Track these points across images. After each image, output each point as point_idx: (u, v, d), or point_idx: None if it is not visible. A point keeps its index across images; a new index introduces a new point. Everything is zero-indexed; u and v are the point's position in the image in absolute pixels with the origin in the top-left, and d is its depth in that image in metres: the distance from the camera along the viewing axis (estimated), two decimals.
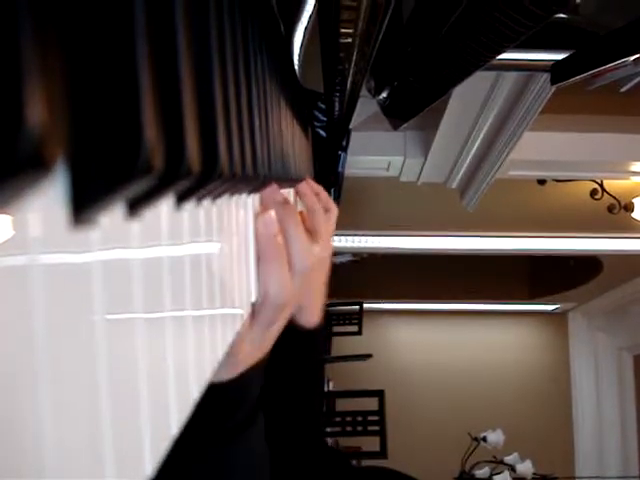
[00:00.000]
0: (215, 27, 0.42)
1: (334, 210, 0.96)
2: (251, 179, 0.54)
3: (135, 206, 0.28)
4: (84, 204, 0.23)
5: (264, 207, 0.70)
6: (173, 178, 0.29)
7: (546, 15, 1.00)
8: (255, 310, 0.67)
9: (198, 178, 0.33)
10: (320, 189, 1.01)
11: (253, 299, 0.66)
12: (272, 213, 0.66)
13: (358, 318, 6.29)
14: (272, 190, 0.72)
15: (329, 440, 5.08)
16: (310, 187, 0.97)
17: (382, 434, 4.74)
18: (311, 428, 1.03)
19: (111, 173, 0.23)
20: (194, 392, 0.39)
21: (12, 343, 0.19)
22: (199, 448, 0.71)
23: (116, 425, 0.26)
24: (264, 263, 0.66)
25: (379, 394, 4.96)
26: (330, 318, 6.30)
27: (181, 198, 0.36)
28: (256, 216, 0.65)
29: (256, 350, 0.72)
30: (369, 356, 5.93)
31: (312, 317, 0.99)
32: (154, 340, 0.32)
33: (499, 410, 7.58)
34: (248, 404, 0.75)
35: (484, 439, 6.25)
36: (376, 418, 4.82)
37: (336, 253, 6.52)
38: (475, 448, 6.26)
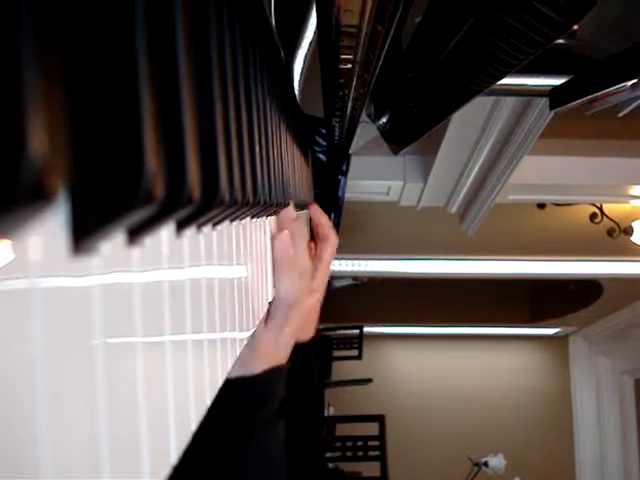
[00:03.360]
0: (216, 54, 0.42)
1: (333, 240, 1.10)
2: (251, 205, 0.54)
3: (135, 233, 0.28)
4: (85, 233, 0.23)
5: (280, 226, 0.85)
6: (174, 206, 0.29)
7: (545, 42, 1.01)
8: (270, 311, 0.81)
9: (199, 206, 0.33)
10: (325, 218, 1.14)
11: (257, 321, 0.67)
12: (287, 233, 0.80)
13: (358, 342, 6.27)
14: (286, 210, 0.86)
15: (329, 465, 5.05)
16: (316, 216, 1.13)
17: (383, 459, 4.71)
18: (308, 441, 1.04)
19: (112, 202, 0.23)
20: (194, 417, 0.39)
21: (12, 367, 0.19)
22: (219, 439, 0.74)
23: (115, 450, 0.26)
24: (278, 272, 0.80)
25: (380, 419, 4.94)
26: (330, 342, 6.28)
27: (181, 225, 0.36)
28: (273, 235, 0.79)
29: (275, 349, 0.82)
30: (369, 381, 5.90)
31: (306, 334, 1.05)
32: (154, 364, 0.32)
33: (500, 434, 7.53)
34: (274, 402, 0.81)
35: (485, 464, 6.21)
36: (377, 443, 4.79)
37: (336, 277, 6.52)
38: (477, 473, 6.22)
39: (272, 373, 0.80)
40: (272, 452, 0.80)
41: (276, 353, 0.83)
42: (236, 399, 0.76)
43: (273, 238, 0.79)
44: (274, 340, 0.82)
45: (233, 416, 0.75)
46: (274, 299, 0.82)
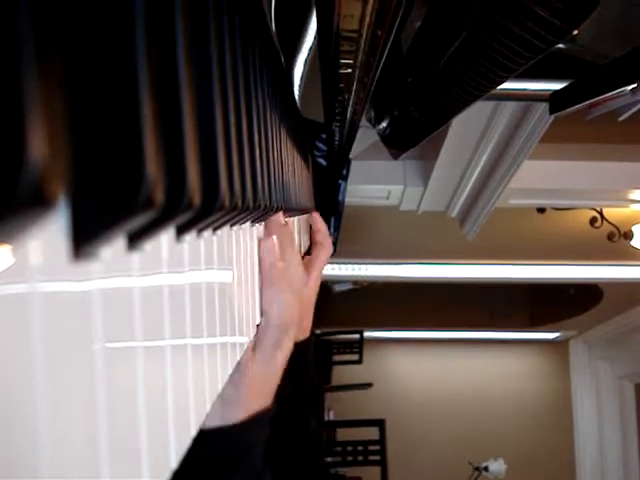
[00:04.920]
0: (216, 59, 0.42)
1: (327, 247, 1.08)
2: (252, 210, 0.54)
3: (135, 239, 0.28)
4: (85, 238, 0.23)
5: (267, 232, 0.75)
6: (174, 212, 0.29)
7: (545, 46, 1.01)
8: (260, 332, 0.70)
9: (199, 211, 0.33)
10: (324, 226, 1.13)
11: (256, 325, 0.67)
12: (274, 239, 0.71)
13: (359, 347, 6.27)
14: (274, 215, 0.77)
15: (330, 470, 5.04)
16: (316, 223, 1.11)
17: (383, 464, 4.71)
18: (308, 445, 1.04)
19: (112, 207, 0.23)
20: (194, 421, 0.39)
21: (12, 370, 0.19)
22: None
23: (115, 453, 0.26)
24: (267, 286, 0.70)
25: (380, 423, 4.94)
26: (330, 347, 6.28)
27: (181, 230, 0.36)
28: (259, 242, 0.70)
29: (264, 383, 0.72)
30: (370, 385, 5.90)
31: (302, 334, 1.03)
32: (154, 369, 0.32)
33: (500, 439, 7.53)
34: (259, 450, 0.72)
35: (486, 469, 6.21)
36: (377, 447, 4.79)
37: (336, 282, 6.52)
38: (477, 478, 6.22)
39: (257, 419, 0.70)
40: None
41: (265, 384, 0.73)
42: (218, 452, 0.66)
43: (259, 247, 0.71)
44: (263, 371, 0.71)
45: (215, 471, 0.66)
46: (263, 321, 0.71)
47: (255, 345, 0.71)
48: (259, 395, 0.71)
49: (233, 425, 0.67)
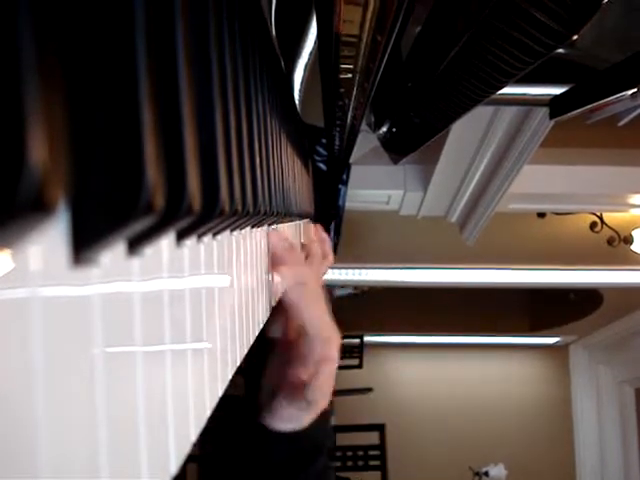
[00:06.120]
0: (216, 64, 0.42)
1: (330, 259, 1.08)
2: (252, 215, 0.54)
3: (135, 244, 0.28)
4: (85, 243, 0.23)
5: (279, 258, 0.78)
6: (174, 217, 0.29)
7: (545, 51, 1.01)
8: (306, 349, 0.77)
9: (199, 216, 0.33)
10: (325, 238, 1.13)
11: (257, 330, 0.67)
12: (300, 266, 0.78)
13: (359, 351, 6.26)
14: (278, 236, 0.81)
15: None
16: (318, 234, 1.12)
17: (383, 469, 4.71)
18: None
19: (112, 212, 0.23)
20: (194, 426, 0.39)
21: (11, 376, 0.19)
22: None
23: (114, 459, 0.26)
24: (304, 307, 0.77)
25: (380, 428, 4.94)
26: None
27: (182, 235, 0.36)
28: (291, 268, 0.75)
29: (321, 398, 0.78)
30: (370, 390, 5.90)
31: None
32: (154, 374, 0.32)
33: (501, 444, 7.52)
34: (326, 450, 0.80)
35: (486, 474, 6.20)
36: (377, 452, 4.79)
37: (336, 286, 6.51)
38: None
39: (321, 421, 0.78)
40: None
41: (322, 401, 0.79)
42: (290, 453, 0.75)
43: (275, 272, 0.74)
44: (320, 388, 0.77)
45: (288, 472, 0.75)
46: (302, 341, 0.78)
47: (305, 359, 0.77)
48: (319, 405, 0.78)
49: (304, 429, 0.76)
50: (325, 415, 0.79)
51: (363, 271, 5.48)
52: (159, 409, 0.32)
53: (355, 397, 6.49)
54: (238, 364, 0.57)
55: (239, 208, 0.45)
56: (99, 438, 0.24)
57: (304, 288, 0.77)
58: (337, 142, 1.69)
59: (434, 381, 8.15)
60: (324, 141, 1.86)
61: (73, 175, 0.21)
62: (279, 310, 0.77)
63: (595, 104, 1.50)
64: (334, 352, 0.80)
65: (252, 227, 0.63)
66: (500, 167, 3.68)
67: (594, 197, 4.15)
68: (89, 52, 0.23)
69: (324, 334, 0.79)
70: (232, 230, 0.52)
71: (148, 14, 0.26)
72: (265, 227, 0.76)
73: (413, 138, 1.96)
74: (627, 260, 4.96)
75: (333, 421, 6.38)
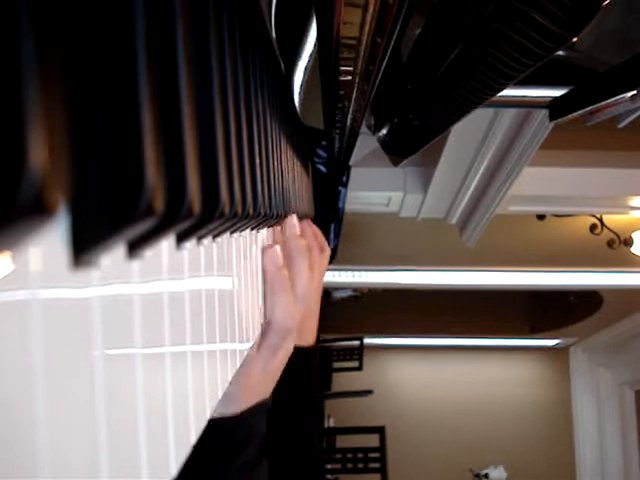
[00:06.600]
0: (216, 67, 0.42)
1: (328, 251, 1.07)
2: (252, 217, 0.54)
3: (135, 246, 0.28)
4: (85, 246, 0.23)
5: (273, 241, 0.80)
6: (174, 219, 0.29)
7: (545, 54, 1.01)
8: (263, 335, 0.74)
9: (199, 219, 0.33)
10: (318, 231, 1.13)
11: (257, 332, 0.67)
12: (277, 248, 0.74)
13: (359, 353, 6.26)
14: (289, 222, 0.83)
15: (329, 477, 5.03)
16: (310, 228, 1.10)
17: (383, 471, 4.70)
18: (308, 453, 1.03)
19: (112, 215, 0.23)
20: (193, 428, 0.39)
21: (12, 377, 0.19)
22: None
23: (114, 461, 0.26)
24: (271, 293, 0.74)
25: (380, 430, 4.93)
26: (330, 354, 6.27)
27: (181, 237, 0.36)
28: (263, 250, 0.73)
29: (262, 379, 0.76)
30: (370, 392, 5.89)
31: (307, 339, 1.04)
32: (154, 376, 0.32)
33: (501, 446, 7.52)
34: (257, 441, 0.75)
35: (486, 476, 6.20)
36: (377, 455, 4.78)
37: (336, 288, 6.51)
38: None
39: (256, 410, 0.74)
40: None
41: (262, 383, 0.76)
42: (218, 440, 0.70)
43: (262, 255, 0.74)
44: (261, 371, 0.75)
45: (214, 459, 0.69)
46: (265, 324, 0.75)
47: (260, 342, 0.74)
48: (256, 394, 0.75)
49: (231, 416, 0.71)
50: (262, 405, 0.75)
51: (363, 273, 5.48)
52: (159, 411, 0.32)
53: (355, 399, 6.49)
54: (238, 365, 0.57)
55: (239, 210, 0.45)
56: (99, 440, 0.24)
57: (274, 275, 0.74)
58: (337, 144, 1.69)
59: (434, 383, 8.15)
60: (324, 143, 1.86)
61: (73, 178, 0.21)
62: None
63: (595, 106, 1.50)
64: (287, 346, 0.77)
65: (252, 229, 0.63)
66: (500, 169, 3.67)
67: (594, 199, 4.15)
68: (89, 56, 0.23)
69: (279, 325, 0.74)
70: (232, 232, 0.52)
71: (148, 19, 0.26)
72: (265, 229, 0.76)
73: (413, 140, 1.96)
74: (627, 262, 4.96)
75: (332, 423, 6.38)
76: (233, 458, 0.71)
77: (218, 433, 0.70)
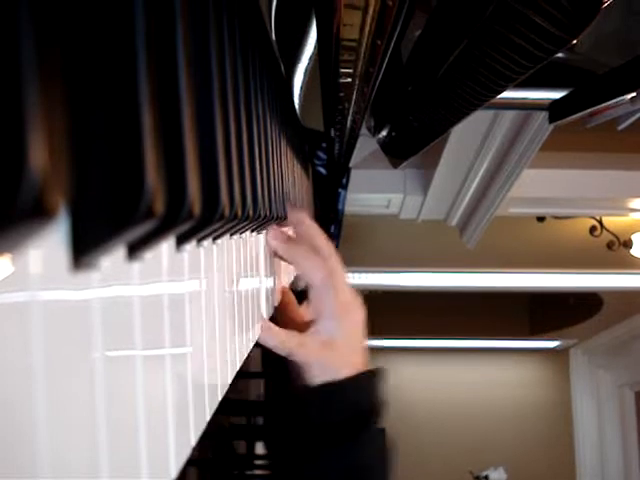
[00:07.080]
0: (216, 69, 0.42)
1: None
2: (252, 220, 0.54)
3: (135, 248, 0.28)
4: (85, 248, 0.23)
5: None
6: (174, 221, 0.29)
7: (544, 56, 1.01)
8: (313, 303, 0.79)
9: (199, 221, 0.33)
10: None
11: (257, 334, 0.67)
12: (275, 227, 0.78)
13: None
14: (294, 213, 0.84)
15: None
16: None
17: None
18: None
19: (112, 217, 0.23)
20: (193, 428, 0.39)
21: (12, 378, 0.19)
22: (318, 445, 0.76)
23: (114, 462, 0.26)
24: (298, 264, 0.79)
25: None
26: None
27: (182, 239, 0.36)
28: (266, 234, 0.76)
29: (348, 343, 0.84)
30: None
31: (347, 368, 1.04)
32: (154, 377, 0.32)
33: (501, 448, 7.51)
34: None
35: (486, 477, 6.19)
36: None
37: None
38: None
39: (362, 379, 0.86)
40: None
41: (354, 352, 0.87)
42: (330, 410, 0.77)
43: (266, 237, 0.76)
44: (342, 335, 0.82)
45: (353, 420, 0.78)
46: (310, 295, 0.78)
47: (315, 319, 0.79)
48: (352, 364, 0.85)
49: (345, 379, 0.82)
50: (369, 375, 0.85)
51: (363, 275, 5.47)
52: (159, 411, 0.32)
53: None
54: (238, 367, 0.57)
55: (239, 212, 0.45)
56: (99, 441, 0.24)
57: (294, 247, 0.79)
58: (337, 146, 1.69)
59: (434, 385, 8.14)
60: (324, 145, 1.86)
61: (73, 180, 0.21)
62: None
63: (594, 108, 1.50)
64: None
65: (252, 231, 0.63)
66: (500, 171, 3.67)
67: (594, 201, 4.15)
68: (89, 57, 0.23)
69: (325, 283, 0.78)
70: (232, 234, 0.52)
71: (149, 20, 0.26)
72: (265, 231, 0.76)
73: (413, 142, 1.96)
74: (627, 264, 4.95)
75: None
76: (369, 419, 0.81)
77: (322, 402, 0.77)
